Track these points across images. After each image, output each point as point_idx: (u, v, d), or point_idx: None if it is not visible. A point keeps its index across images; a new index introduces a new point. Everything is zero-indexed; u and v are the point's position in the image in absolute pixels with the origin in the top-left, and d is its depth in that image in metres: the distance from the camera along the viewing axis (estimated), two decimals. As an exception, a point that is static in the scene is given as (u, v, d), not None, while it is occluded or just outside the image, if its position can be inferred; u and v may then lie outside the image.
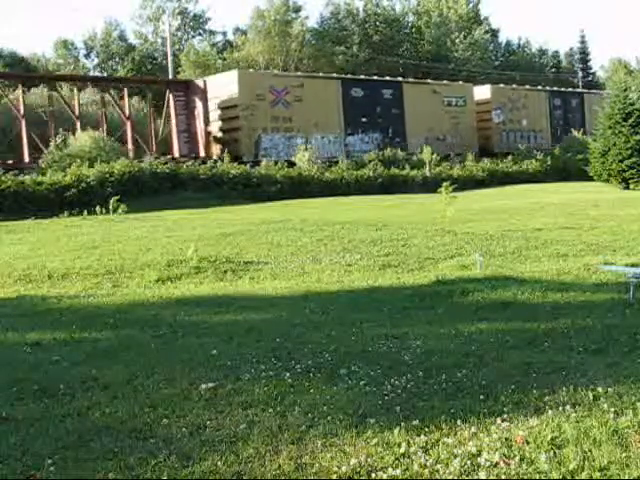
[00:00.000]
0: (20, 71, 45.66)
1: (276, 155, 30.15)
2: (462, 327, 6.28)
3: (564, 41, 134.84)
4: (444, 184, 15.09)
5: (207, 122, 31.88)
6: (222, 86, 30.89)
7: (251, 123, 30.64)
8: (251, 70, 38.25)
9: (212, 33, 64.23)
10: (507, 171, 34.23)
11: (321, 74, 37.24)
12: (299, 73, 36.56)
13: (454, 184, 15.70)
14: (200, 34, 64.08)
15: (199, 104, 32.01)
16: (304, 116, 31.67)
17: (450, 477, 3.27)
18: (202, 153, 31.42)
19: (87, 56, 61.73)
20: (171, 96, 32.43)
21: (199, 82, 32.98)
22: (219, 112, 31.45)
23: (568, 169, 35.06)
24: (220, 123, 31.48)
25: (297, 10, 56.54)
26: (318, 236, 12.90)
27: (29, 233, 15.49)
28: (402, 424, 3.84)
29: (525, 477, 3.23)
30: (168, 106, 32.54)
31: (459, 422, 3.85)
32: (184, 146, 31.88)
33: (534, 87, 44.93)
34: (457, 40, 61.63)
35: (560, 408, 4.01)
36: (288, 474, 3.35)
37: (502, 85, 44.28)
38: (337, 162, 30.24)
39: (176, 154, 31.27)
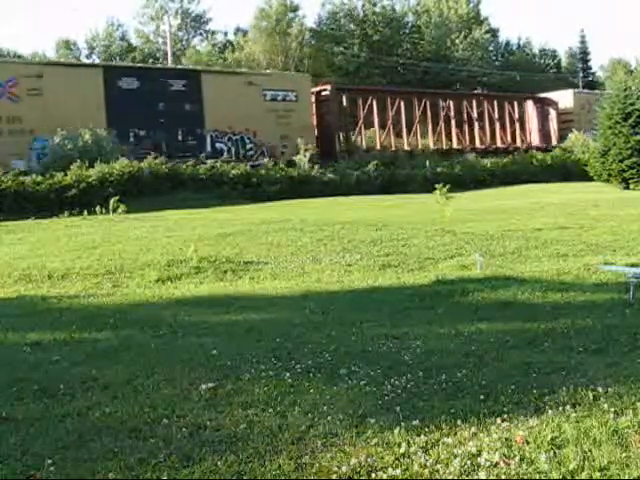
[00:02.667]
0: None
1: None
2: (462, 327, 6.28)
3: (564, 41, 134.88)
4: (438, 185, 15.17)
5: None
6: None
7: None
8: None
9: (213, 33, 64.30)
10: (507, 171, 34.23)
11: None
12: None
13: (448, 184, 15.78)
14: (201, 34, 64.15)
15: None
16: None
17: (450, 477, 3.27)
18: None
19: (89, 56, 61.82)
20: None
21: None
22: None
23: (568, 169, 35.08)
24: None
25: (294, 10, 56.57)
26: (318, 236, 12.89)
27: (29, 233, 15.48)
28: (402, 424, 3.84)
29: (525, 477, 3.23)
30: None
31: (459, 422, 3.85)
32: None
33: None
34: (457, 40, 61.64)
35: (560, 408, 4.01)
36: (288, 474, 3.35)
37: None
38: None
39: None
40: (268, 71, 35.84)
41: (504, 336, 5.88)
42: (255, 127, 30.41)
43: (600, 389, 4.30)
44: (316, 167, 28.46)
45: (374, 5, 61.77)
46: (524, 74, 61.67)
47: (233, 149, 30.13)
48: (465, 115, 40.27)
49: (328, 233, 13.20)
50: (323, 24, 61.21)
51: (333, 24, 60.67)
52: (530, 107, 44.27)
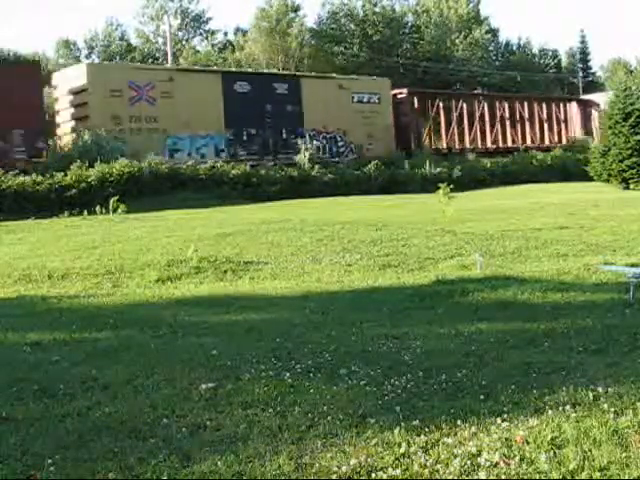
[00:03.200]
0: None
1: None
2: (462, 327, 6.28)
3: (564, 41, 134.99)
4: (441, 185, 15.17)
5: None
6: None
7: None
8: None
9: (212, 33, 64.29)
10: (507, 171, 34.23)
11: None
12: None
13: (451, 184, 15.78)
14: (201, 34, 64.16)
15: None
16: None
17: (450, 477, 3.27)
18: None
19: (88, 56, 61.82)
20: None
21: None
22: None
23: (568, 169, 35.09)
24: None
25: (295, 10, 56.56)
26: (318, 236, 12.89)
27: (29, 233, 15.48)
28: (402, 424, 3.84)
29: (525, 477, 3.23)
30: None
31: (459, 422, 3.85)
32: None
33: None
34: (457, 40, 61.65)
35: (560, 408, 4.01)
36: (288, 474, 3.35)
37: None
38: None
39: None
40: (355, 76, 38.27)
41: (504, 336, 5.88)
42: (345, 127, 32.80)
43: (600, 389, 4.30)
44: (316, 167, 28.48)
45: (374, 5, 61.79)
46: (524, 74, 61.65)
47: (327, 146, 32.51)
48: (517, 116, 42.60)
49: (328, 233, 13.20)
50: (323, 24, 61.21)
51: (333, 24, 60.67)
52: (574, 108, 46.70)
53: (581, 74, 72.56)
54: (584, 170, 29.04)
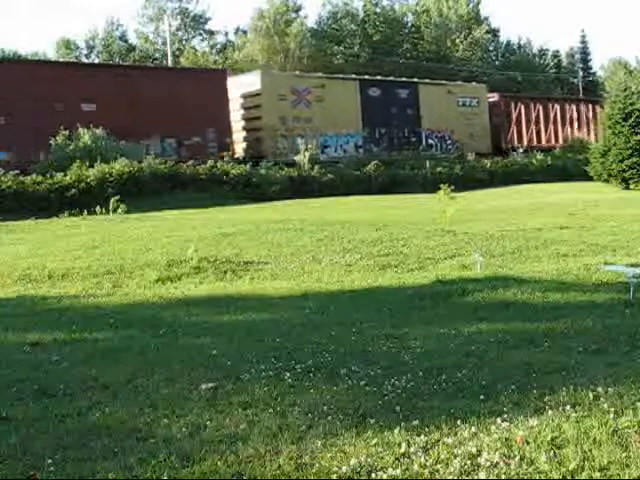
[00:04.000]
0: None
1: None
2: (462, 327, 6.28)
3: (564, 41, 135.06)
4: (442, 185, 15.15)
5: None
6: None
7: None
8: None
9: (212, 33, 64.27)
10: (507, 171, 34.23)
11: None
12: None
13: (453, 184, 15.78)
14: (200, 34, 64.14)
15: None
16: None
17: (450, 477, 3.27)
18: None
19: (88, 56, 61.83)
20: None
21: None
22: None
23: (568, 169, 35.10)
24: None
25: (297, 10, 56.57)
26: (318, 236, 12.89)
27: (29, 233, 15.48)
28: (402, 424, 3.84)
29: (525, 477, 3.23)
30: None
31: (459, 422, 3.85)
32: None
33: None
34: (457, 40, 61.64)
35: (560, 408, 4.01)
36: (288, 474, 3.35)
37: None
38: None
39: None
40: (460, 82, 43.29)
41: (504, 336, 5.88)
42: (452, 127, 37.41)
43: (600, 389, 4.30)
44: (316, 167, 28.49)
45: (375, 5, 61.78)
46: (524, 74, 61.65)
47: (439, 144, 37.24)
48: (584, 116, 45.84)
49: (328, 233, 13.19)
50: (324, 24, 61.21)
51: (334, 24, 60.67)
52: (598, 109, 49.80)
53: (581, 74, 72.52)
54: (584, 170, 29.04)
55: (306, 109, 31.40)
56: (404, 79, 38.62)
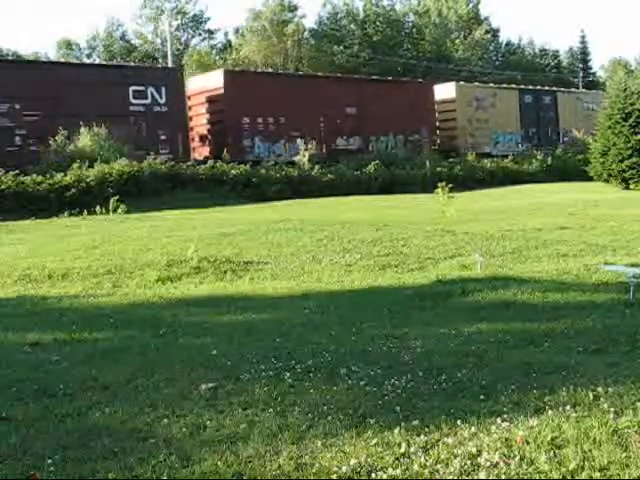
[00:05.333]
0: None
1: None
2: (462, 327, 6.28)
3: (564, 41, 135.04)
4: (440, 184, 15.14)
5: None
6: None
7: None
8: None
9: (211, 33, 64.31)
10: (507, 171, 34.20)
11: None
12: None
13: (451, 184, 15.78)
14: (200, 34, 64.17)
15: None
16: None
17: (450, 477, 3.27)
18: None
19: (89, 56, 61.85)
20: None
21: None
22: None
23: (568, 169, 35.08)
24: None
25: (292, 10, 56.54)
26: (318, 236, 12.89)
27: (29, 233, 15.48)
28: (402, 424, 3.84)
29: (525, 477, 3.23)
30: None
31: (459, 422, 3.85)
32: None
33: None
34: (457, 40, 61.65)
35: (560, 408, 4.01)
36: (288, 474, 3.35)
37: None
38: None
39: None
40: (585, 90, 50.57)
41: (504, 336, 5.88)
42: (580, 126, 41.49)
43: (600, 389, 4.30)
44: (316, 167, 28.48)
45: (375, 5, 61.78)
46: (524, 74, 61.65)
47: (570, 142, 41.48)
48: None
49: (328, 233, 13.19)
50: (323, 24, 61.22)
51: (333, 24, 60.68)
52: None
53: (581, 74, 72.54)
54: (584, 170, 29.03)
55: (484, 113, 38.33)
56: (546, 88, 45.92)
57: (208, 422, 4.05)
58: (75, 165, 22.48)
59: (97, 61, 58.98)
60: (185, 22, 62.74)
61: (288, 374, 4.93)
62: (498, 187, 30.02)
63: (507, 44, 72.52)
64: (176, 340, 6.27)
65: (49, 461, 3.56)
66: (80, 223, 17.15)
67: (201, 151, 30.40)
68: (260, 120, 29.96)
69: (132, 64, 34.16)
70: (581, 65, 75.07)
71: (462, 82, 43.14)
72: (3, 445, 3.81)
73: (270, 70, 41.24)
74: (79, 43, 62.52)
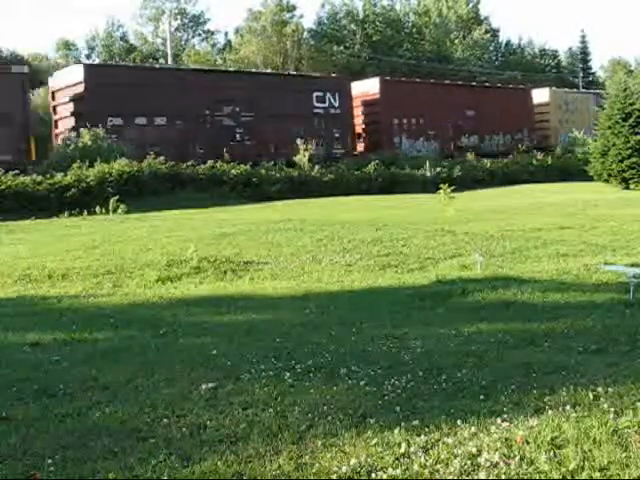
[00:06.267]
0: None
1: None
2: (462, 327, 6.28)
3: (564, 41, 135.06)
4: (442, 185, 15.15)
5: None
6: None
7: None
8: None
9: (211, 33, 64.31)
10: (507, 171, 34.21)
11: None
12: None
13: (451, 184, 15.78)
14: (200, 34, 64.17)
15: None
16: None
17: (450, 477, 3.27)
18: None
19: (89, 56, 61.87)
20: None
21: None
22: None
23: (568, 169, 35.08)
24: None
25: (290, 10, 56.51)
26: (318, 236, 12.89)
27: (29, 233, 15.48)
28: (402, 424, 3.84)
29: (525, 477, 3.23)
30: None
31: (459, 422, 3.85)
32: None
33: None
34: (456, 40, 61.64)
35: (560, 408, 4.01)
36: (288, 474, 3.35)
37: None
38: None
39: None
40: None
41: (504, 336, 5.88)
42: None
43: (600, 389, 4.30)
44: (316, 167, 28.49)
45: (374, 5, 61.77)
46: (524, 74, 61.65)
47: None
48: None
49: (328, 233, 13.19)
50: (323, 24, 61.20)
51: (333, 24, 60.66)
52: None
53: (581, 74, 72.54)
54: (584, 170, 29.03)
55: (571, 115, 44.47)
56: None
57: (208, 422, 4.05)
58: (75, 165, 22.49)
59: (97, 61, 59.02)
60: (185, 22, 62.75)
61: (288, 374, 4.93)
62: (498, 187, 30.03)
63: (507, 44, 72.53)
64: (176, 340, 6.27)
65: (49, 461, 3.56)
66: (80, 223, 17.15)
67: (356, 146, 35.15)
68: (405, 121, 35.84)
69: (314, 74, 37.68)
70: (581, 65, 75.07)
71: (554, 88, 48.62)
72: (3, 445, 3.81)
73: (417, 79, 44.61)
74: (77, 44, 62.56)
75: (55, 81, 28.81)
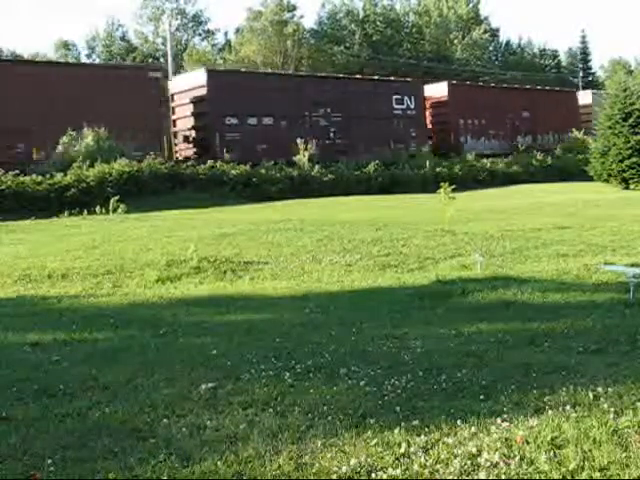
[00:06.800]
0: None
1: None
2: (462, 327, 6.28)
3: (564, 41, 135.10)
4: (442, 184, 15.10)
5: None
6: None
7: None
8: None
9: (211, 33, 64.32)
10: (507, 171, 34.18)
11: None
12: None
13: (451, 184, 15.73)
14: (200, 34, 64.17)
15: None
16: None
17: (450, 477, 3.27)
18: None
19: (89, 56, 61.88)
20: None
21: None
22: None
23: (568, 169, 35.07)
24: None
25: (291, 10, 56.51)
26: (318, 236, 12.89)
27: (29, 233, 15.48)
28: (402, 424, 3.84)
29: (525, 477, 3.23)
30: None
31: (459, 422, 3.85)
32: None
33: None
34: (455, 40, 61.65)
35: (560, 408, 4.01)
36: (288, 474, 3.35)
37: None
38: None
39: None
40: None
41: (504, 336, 5.88)
42: None
43: (600, 389, 4.30)
44: (316, 167, 28.49)
45: (375, 5, 61.77)
46: (524, 74, 61.65)
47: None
48: None
49: (328, 233, 13.20)
50: (323, 24, 61.20)
51: (333, 24, 60.67)
52: None
53: (581, 74, 72.55)
54: (584, 170, 29.03)
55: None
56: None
57: (208, 422, 4.05)
58: (75, 165, 22.49)
59: (97, 61, 59.06)
60: (185, 22, 62.76)
61: (288, 374, 4.93)
62: (499, 187, 30.03)
63: (507, 44, 72.53)
64: (176, 340, 6.27)
65: (49, 461, 3.56)
66: (80, 223, 17.15)
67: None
68: (469, 122, 38.45)
69: (393, 79, 39.46)
70: (581, 65, 75.08)
71: (595, 90, 50.31)
72: (3, 445, 3.81)
73: (481, 83, 46.82)
74: (76, 44, 62.59)
75: (174, 84, 31.55)
